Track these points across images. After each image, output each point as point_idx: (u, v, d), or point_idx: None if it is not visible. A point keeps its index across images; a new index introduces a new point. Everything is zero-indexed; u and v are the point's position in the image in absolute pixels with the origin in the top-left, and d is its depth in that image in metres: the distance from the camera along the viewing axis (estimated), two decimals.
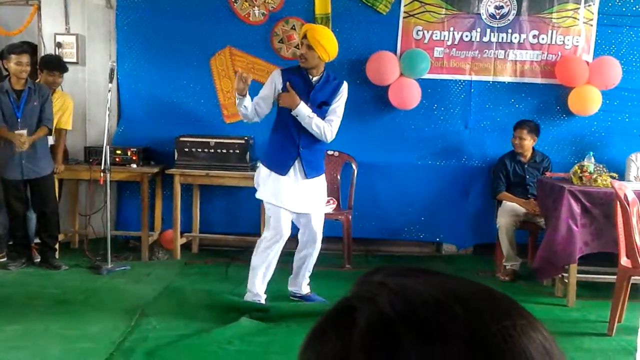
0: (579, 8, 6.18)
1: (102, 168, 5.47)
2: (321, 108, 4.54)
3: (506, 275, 5.58)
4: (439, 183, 6.30)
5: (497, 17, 6.22)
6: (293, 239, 4.80)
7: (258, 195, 4.68)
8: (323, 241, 4.80)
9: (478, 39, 6.22)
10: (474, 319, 0.53)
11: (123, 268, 5.55)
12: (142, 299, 4.75)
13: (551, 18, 6.21)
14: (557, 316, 4.73)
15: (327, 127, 4.50)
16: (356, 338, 0.54)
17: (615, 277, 4.41)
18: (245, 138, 5.95)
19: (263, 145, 5.27)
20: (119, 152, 5.92)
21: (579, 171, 5.00)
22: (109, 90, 5.56)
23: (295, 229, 4.76)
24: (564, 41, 6.21)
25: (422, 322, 0.53)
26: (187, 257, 6.02)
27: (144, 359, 3.73)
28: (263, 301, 4.66)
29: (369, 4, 6.15)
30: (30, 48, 5.74)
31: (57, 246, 5.73)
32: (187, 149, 5.93)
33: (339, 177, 6.14)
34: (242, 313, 4.39)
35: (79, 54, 6.26)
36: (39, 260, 5.64)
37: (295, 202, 4.55)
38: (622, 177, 5.42)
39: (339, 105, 4.58)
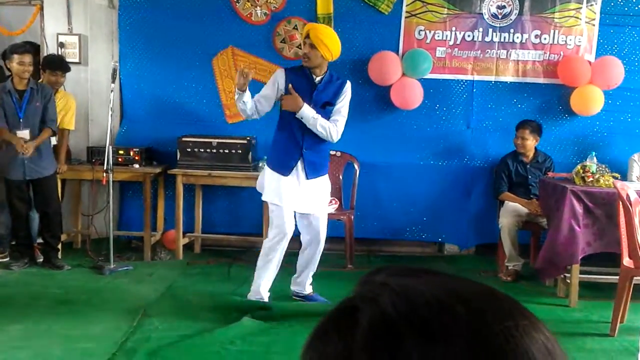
0: (581, 8, 6.17)
1: (105, 168, 5.48)
2: (325, 108, 4.53)
3: (508, 275, 5.58)
4: (441, 183, 6.30)
5: (499, 16, 6.21)
6: (296, 240, 4.81)
7: (264, 198, 4.69)
8: (325, 241, 4.80)
9: (480, 39, 6.22)
10: (476, 319, 0.53)
11: (125, 268, 5.55)
12: (145, 299, 4.75)
13: (553, 18, 6.20)
14: (560, 316, 4.73)
15: (332, 127, 4.50)
16: (358, 338, 0.54)
17: (617, 277, 4.40)
18: (248, 138, 5.95)
19: (265, 145, 5.28)
20: (121, 152, 5.92)
21: (581, 171, 4.99)
22: (112, 90, 5.57)
23: (298, 229, 4.77)
24: (566, 41, 6.21)
25: (425, 322, 0.53)
26: (189, 257, 6.02)
27: (146, 359, 3.74)
28: (266, 299, 4.67)
29: (371, 4, 6.15)
30: (32, 48, 5.74)
31: (59, 246, 5.74)
32: (189, 149, 5.94)
33: (341, 177, 6.14)
34: (244, 313, 4.39)
35: (81, 54, 6.27)
36: (41, 260, 5.65)
37: (297, 202, 4.56)
38: (624, 177, 5.40)
39: (343, 105, 4.58)
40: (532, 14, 6.21)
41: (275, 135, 4.67)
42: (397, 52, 6.18)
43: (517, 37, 6.22)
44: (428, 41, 6.21)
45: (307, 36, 4.47)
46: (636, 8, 6.16)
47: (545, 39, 6.21)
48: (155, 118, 6.33)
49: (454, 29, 6.21)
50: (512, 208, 5.67)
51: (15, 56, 5.30)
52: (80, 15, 6.32)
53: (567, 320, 4.68)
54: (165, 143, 6.20)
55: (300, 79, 4.54)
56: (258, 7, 6.22)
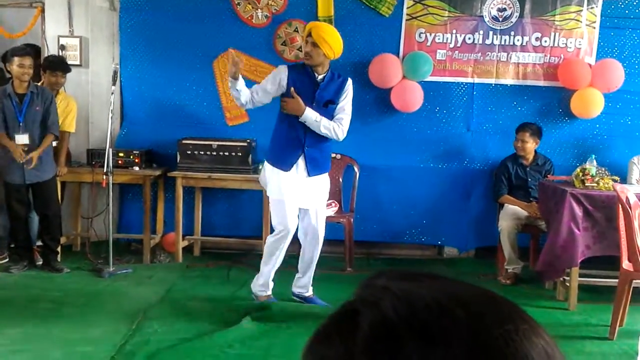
0: (581, 10, 6.18)
1: (105, 171, 5.47)
2: (327, 107, 4.54)
3: (508, 278, 5.58)
4: (440, 186, 6.30)
5: (500, 19, 6.22)
6: (295, 242, 4.81)
7: (268, 193, 4.71)
8: (325, 244, 4.80)
9: (480, 42, 6.23)
10: (476, 322, 0.54)
11: (125, 271, 5.55)
12: (144, 302, 4.75)
13: (554, 20, 6.21)
14: (559, 320, 4.72)
15: (336, 126, 4.51)
16: (359, 341, 0.54)
17: (617, 280, 4.40)
18: (248, 141, 5.95)
19: (266, 147, 5.27)
20: (121, 154, 5.92)
21: (581, 174, 4.99)
22: (112, 93, 5.57)
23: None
24: (566, 44, 6.21)
25: (425, 325, 0.53)
26: (189, 260, 6.02)
27: None
28: (270, 292, 4.70)
29: (371, 7, 6.16)
30: (33, 51, 5.75)
31: (59, 249, 5.72)
32: (189, 152, 5.94)
33: (341, 179, 6.14)
34: (244, 314, 4.39)
35: (82, 56, 6.27)
36: (41, 263, 5.64)
37: (297, 197, 4.55)
38: (624, 180, 5.41)
39: (346, 102, 4.59)
40: (532, 17, 6.21)
41: (276, 129, 4.65)
42: (397, 54, 6.18)
43: (518, 40, 6.22)
44: (428, 44, 6.22)
45: (309, 34, 4.46)
46: (637, 11, 6.17)
47: (545, 41, 6.22)
48: (155, 120, 6.33)
49: (454, 31, 6.22)
50: (512, 211, 5.67)
51: (16, 59, 5.29)
52: (81, 17, 6.32)
53: (567, 323, 4.68)
54: (165, 145, 6.21)
55: (303, 77, 4.53)
56: (259, 9, 6.22)
